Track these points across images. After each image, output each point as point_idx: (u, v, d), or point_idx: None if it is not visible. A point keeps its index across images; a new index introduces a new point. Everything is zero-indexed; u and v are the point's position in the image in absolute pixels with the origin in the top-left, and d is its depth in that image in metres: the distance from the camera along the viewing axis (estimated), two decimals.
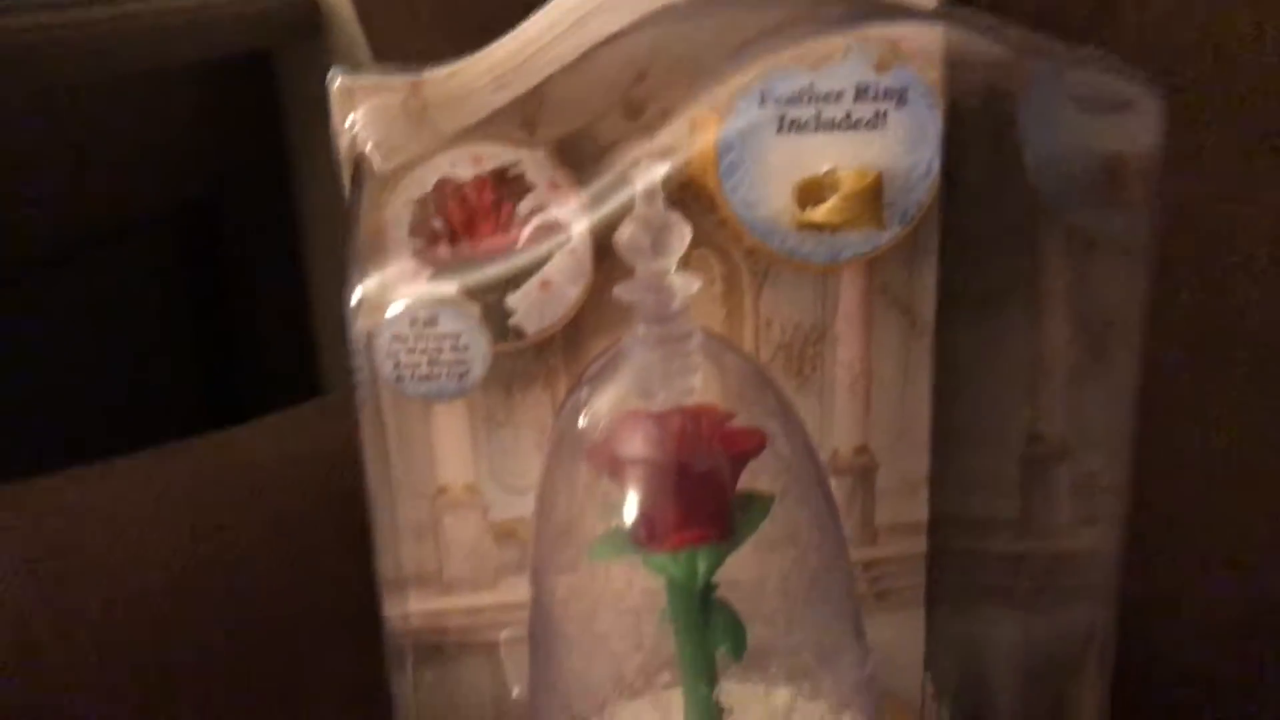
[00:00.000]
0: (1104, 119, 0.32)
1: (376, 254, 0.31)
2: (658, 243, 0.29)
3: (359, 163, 0.33)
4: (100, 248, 0.78)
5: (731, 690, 0.34)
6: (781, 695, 0.35)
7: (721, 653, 0.33)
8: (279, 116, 0.87)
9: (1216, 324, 0.41)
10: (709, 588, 0.32)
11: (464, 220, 0.32)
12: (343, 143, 0.34)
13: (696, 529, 0.31)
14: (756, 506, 0.32)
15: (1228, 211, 0.41)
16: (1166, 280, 0.38)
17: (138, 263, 0.82)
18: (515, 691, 0.38)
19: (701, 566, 0.30)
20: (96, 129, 0.74)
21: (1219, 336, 0.41)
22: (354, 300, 0.31)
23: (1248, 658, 0.44)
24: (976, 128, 0.34)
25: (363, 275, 0.31)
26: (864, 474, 0.39)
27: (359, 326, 0.31)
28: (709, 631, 0.32)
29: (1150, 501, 0.37)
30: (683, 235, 0.29)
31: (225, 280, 0.88)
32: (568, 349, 0.37)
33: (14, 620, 0.35)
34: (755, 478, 0.31)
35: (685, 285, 0.29)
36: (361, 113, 0.33)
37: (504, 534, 0.38)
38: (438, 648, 0.38)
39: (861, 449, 0.39)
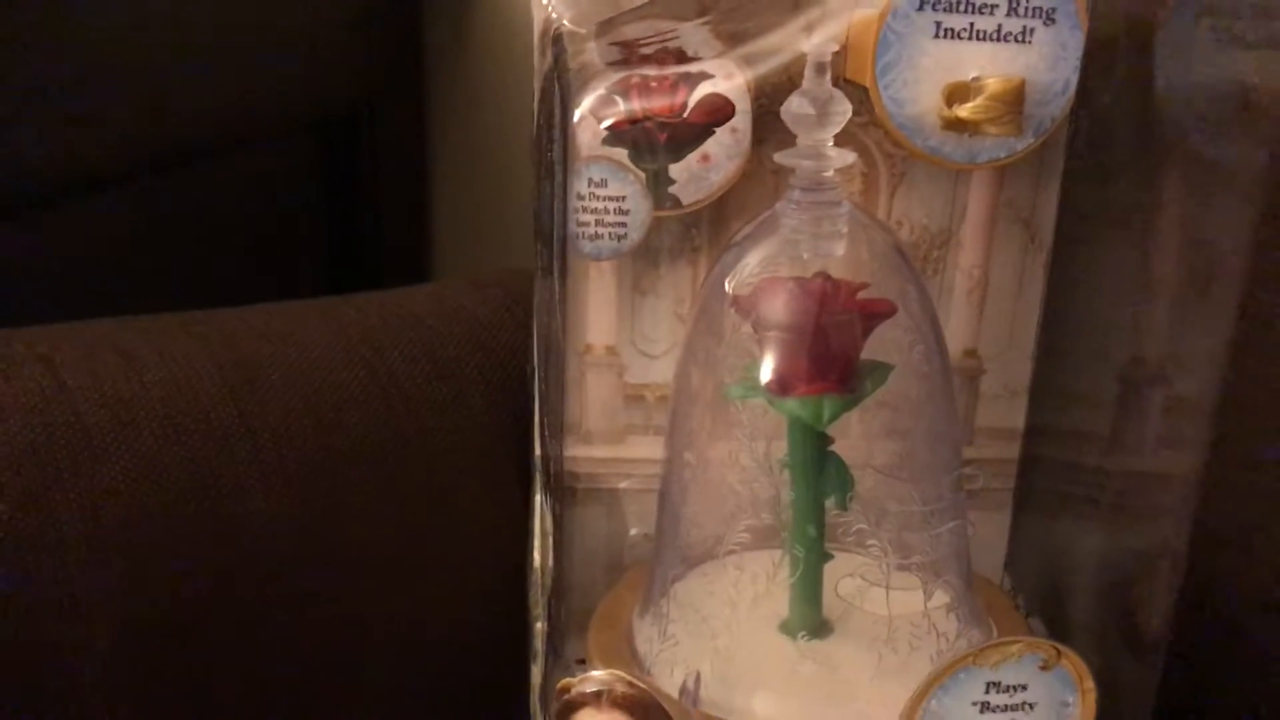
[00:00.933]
0: (1243, 52, 0.34)
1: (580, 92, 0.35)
2: (822, 114, 0.32)
3: (556, 35, 0.37)
4: (241, 150, 0.82)
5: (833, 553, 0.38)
6: (878, 560, 0.38)
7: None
8: (420, 44, 0.91)
9: None
10: (825, 438, 0.36)
11: (640, 85, 0.35)
12: (538, 15, 0.38)
13: (824, 382, 0.34)
14: (878, 371, 0.35)
15: None
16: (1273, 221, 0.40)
17: (272, 170, 0.86)
18: (633, 531, 0.42)
19: (825, 411, 0.34)
20: (254, 29, 0.78)
21: None
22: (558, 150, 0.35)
23: None
24: (1112, 52, 0.37)
25: (566, 126, 0.35)
26: (970, 377, 0.43)
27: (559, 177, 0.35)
28: (821, 480, 0.36)
29: (1230, 435, 0.39)
30: (844, 110, 0.32)
31: (353, 198, 0.93)
32: (712, 228, 0.41)
33: (205, 412, 0.39)
34: (882, 343, 0.35)
35: (841, 157, 0.33)
36: None
37: (633, 397, 0.42)
38: (571, 490, 0.42)
39: (971, 352, 0.42)
